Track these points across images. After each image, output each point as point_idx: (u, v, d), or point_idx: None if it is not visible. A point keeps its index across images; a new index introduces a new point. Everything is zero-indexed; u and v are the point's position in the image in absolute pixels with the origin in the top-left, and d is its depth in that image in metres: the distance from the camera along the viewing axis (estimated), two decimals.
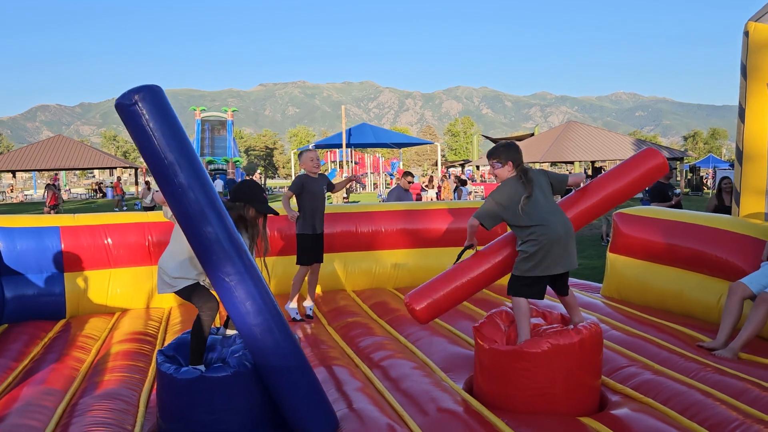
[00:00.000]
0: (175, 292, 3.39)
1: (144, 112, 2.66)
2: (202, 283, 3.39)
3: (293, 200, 5.58)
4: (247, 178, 26.15)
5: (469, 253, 3.96)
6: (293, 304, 5.53)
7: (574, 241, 3.68)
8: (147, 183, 22.16)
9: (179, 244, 3.31)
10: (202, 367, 3.20)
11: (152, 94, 2.70)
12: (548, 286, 3.75)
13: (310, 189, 5.46)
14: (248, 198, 3.46)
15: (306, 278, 5.71)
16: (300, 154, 5.63)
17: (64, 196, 43.75)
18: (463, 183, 21.74)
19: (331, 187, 5.65)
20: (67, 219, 5.87)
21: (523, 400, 3.44)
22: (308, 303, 5.73)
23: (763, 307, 4.19)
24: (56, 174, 42.65)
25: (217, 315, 5.42)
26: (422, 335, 4.82)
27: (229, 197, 3.46)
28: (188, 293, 3.35)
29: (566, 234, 3.60)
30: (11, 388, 3.84)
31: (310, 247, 5.54)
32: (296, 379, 3.02)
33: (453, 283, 3.85)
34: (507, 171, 3.73)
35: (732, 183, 9.40)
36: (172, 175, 2.74)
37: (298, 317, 5.49)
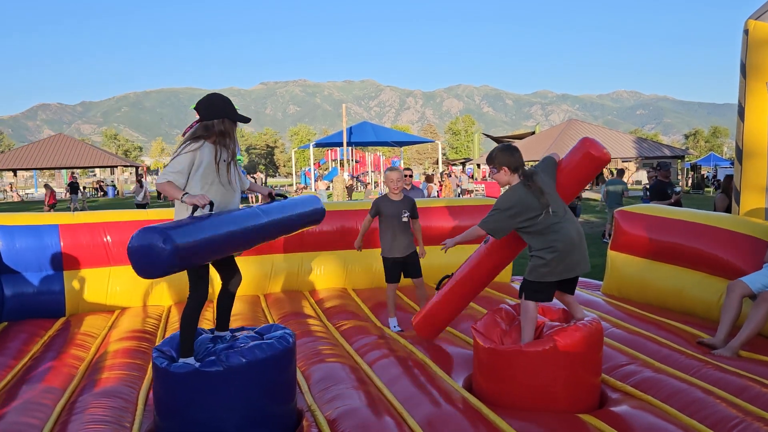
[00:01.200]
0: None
1: None
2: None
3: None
4: (249, 176, 26.12)
5: (446, 281, 4.15)
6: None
7: (585, 244, 3.67)
8: (139, 181, 22.30)
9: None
10: (192, 361, 3.16)
11: None
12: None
13: (387, 212, 5.15)
14: (223, 111, 3.31)
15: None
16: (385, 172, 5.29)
17: (65, 195, 43.77)
18: (429, 179, 21.92)
19: (415, 215, 5.25)
20: (66, 217, 5.87)
21: (522, 398, 3.44)
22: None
23: (764, 306, 4.18)
24: (72, 172, 42.68)
25: (211, 315, 5.43)
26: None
27: (198, 116, 3.30)
28: (197, 271, 3.26)
29: (580, 238, 3.59)
30: (10, 387, 3.84)
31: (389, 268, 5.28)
32: None
33: (449, 306, 4.46)
34: (504, 175, 3.68)
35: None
36: None
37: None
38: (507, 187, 3.72)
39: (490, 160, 3.75)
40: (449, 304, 4.44)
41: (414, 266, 5.24)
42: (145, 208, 24.58)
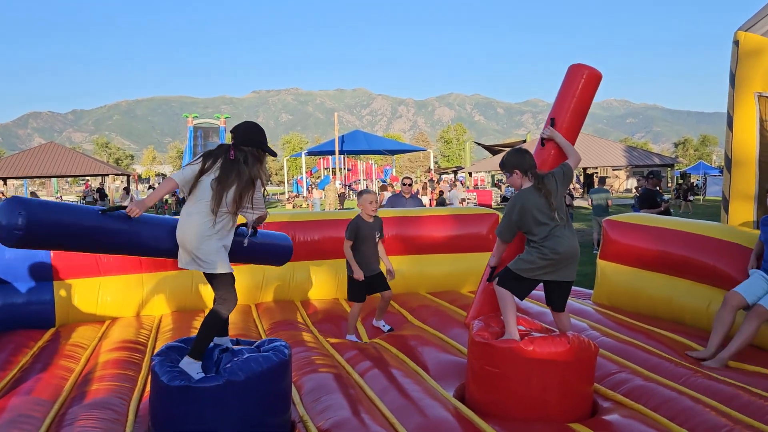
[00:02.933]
0: (205, 272, 3.35)
1: None
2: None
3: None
4: None
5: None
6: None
7: (578, 256, 3.73)
8: (126, 189, 22.53)
9: (220, 229, 3.32)
10: (198, 369, 3.17)
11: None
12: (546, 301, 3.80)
13: (363, 234, 5.22)
14: (257, 141, 3.40)
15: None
16: (359, 195, 5.38)
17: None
18: (383, 188, 22.04)
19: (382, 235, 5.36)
20: None
21: (515, 408, 3.44)
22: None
23: (756, 320, 4.20)
24: (87, 181, 42.65)
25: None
26: (413, 343, 4.82)
27: (234, 143, 3.39)
28: (219, 278, 3.33)
29: (575, 251, 3.65)
30: None
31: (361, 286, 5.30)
32: None
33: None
34: (518, 178, 3.72)
35: None
36: None
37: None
38: None
39: (503, 165, 3.80)
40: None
41: (383, 281, 5.35)
42: None
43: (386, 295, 5.39)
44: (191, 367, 3.20)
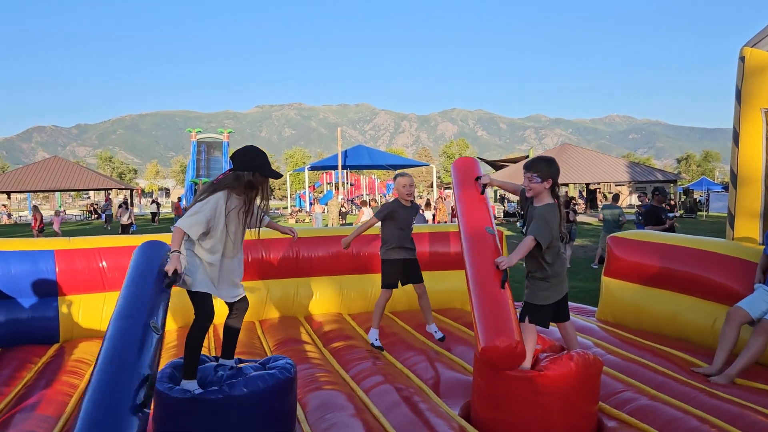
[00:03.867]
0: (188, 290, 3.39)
1: None
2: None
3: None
4: None
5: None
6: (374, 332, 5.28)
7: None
8: (125, 203, 22.85)
9: (211, 260, 3.35)
10: (195, 385, 3.17)
11: None
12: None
13: (399, 217, 5.16)
14: (255, 165, 3.40)
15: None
16: (395, 178, 5.32)
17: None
18: (427, 205, 22.05)
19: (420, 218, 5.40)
20: (62, 242, 5.85)
21: (520, 427, 3.42)
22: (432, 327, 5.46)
23: (763, 336, 4.17)
24: (107, 194, 42.80)
25: (214, 344, 5.40)
26: (418, 360, 4.80)
27: (233, 165, 3.42)
28: (197, 296, 3.36)
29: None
30: (2, 415, 3.78)
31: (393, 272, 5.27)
32: None
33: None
34: (544, 188, 3.67)
35: None
36: None
37: (376, 344, 5.24)
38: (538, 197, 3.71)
39: (536, 167, 3.66)
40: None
41: (416, 270, 5.30)
42: (128, 228, 24.73)
43: (421, 292, 5.31)
44: (189, 386, 3.21)
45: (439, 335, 5.34)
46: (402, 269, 5.26)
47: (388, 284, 5.27)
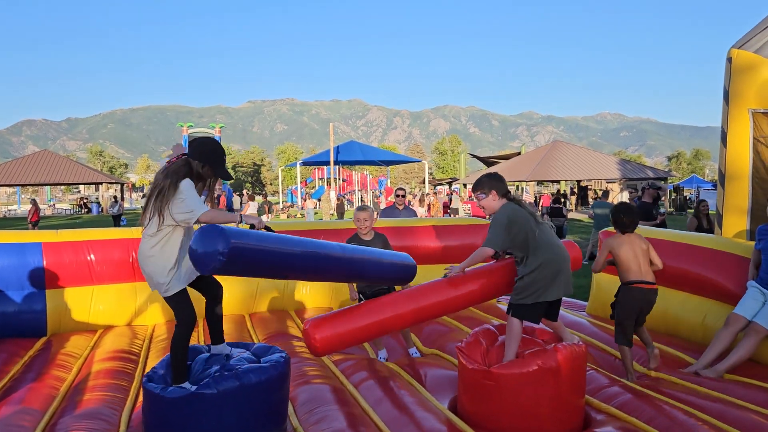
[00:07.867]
0: (165, 297, 3.31)
1: None
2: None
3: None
4: (236, 195, 26.10)
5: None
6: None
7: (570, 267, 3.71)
8: (115, 197, 23.27)
9: (172, 252, 3.26)
10: (187, 385, 3.15)
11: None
12: None
13: None
14: (209, 159, 3.32)
15: None
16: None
17: (48, 212, 43.35)
18: (421, 201, 21.85)
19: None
20: (50, 235, 5.80)
21: (507, 420, 3.43)
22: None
23: (754, 337, 4.26)
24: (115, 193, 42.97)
25: (203, 332, 5.39)
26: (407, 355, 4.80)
27: (187, 152, 3.33)
28: (174, 299, 3.29)
29: (568, 261, 3.65)
30: None
31: None
32: None
33: (364, 321, 3.65)
34: (493, 200, 3.69)
35: (708, 206, 9.73)
36: None
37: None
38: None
39: (479, 185, 3.75)
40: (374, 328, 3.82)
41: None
42: (119, 218, 25.05)
43: None
44: (180, 390, 3.16)
45: (415, 354, 5.06)
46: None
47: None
